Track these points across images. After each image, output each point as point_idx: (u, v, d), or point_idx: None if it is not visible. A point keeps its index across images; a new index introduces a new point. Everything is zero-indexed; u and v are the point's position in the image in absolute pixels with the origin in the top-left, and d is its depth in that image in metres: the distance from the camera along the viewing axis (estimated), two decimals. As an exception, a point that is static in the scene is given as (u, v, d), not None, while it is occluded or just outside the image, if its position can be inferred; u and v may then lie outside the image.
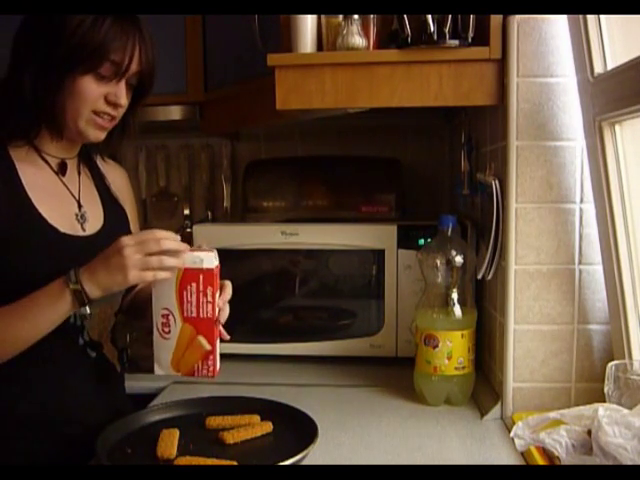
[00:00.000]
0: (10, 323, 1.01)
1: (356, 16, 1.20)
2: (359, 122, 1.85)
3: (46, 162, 1.14)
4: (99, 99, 1.07)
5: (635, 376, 0.97)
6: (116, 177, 1.30)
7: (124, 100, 1.10)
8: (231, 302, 1.17)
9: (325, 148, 1.94)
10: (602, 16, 1.03)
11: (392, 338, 1.51)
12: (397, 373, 1.44)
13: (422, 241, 1.46)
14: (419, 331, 1.29)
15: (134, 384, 1.38)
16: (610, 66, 1.03)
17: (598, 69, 1.05)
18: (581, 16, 1.06)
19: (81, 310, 1.02)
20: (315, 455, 1.07)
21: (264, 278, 1.59)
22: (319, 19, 1.24)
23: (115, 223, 1.23)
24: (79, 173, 1.21)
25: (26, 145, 1.12)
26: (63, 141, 1.14)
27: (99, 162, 1.27)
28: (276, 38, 1.31)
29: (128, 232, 1.26)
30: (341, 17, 1.21)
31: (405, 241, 1.49)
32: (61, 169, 1.16)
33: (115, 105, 1.09)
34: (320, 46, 1.25)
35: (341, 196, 1.69)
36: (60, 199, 1.15)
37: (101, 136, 1.12)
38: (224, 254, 1.55)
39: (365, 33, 1.22)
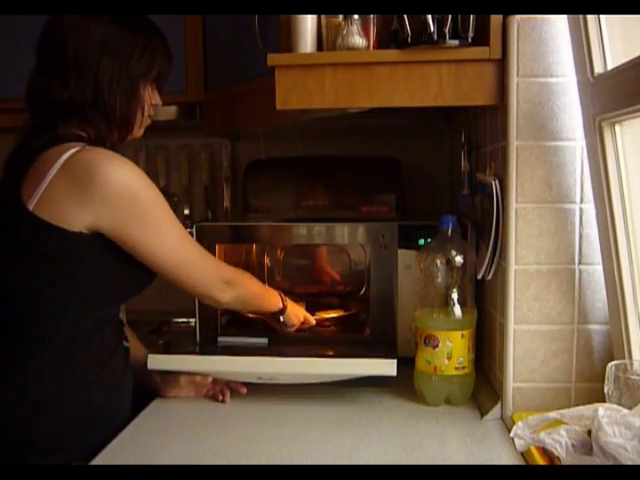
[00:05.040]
0: None
1: (356, 16, 1.20)
2: (359, 122, 1.85)
3: None
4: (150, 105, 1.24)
5: (635, 376, 0.97)
6: None
7: (161, 102, 1.26)
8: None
9: (325, 148, 1.94)
10: (602, 16, 1.03)
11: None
12: (397, 373, 1.43)
13: (422, 241, 1.46)
14: (419, 331, 1.29)
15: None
16: (610, 66, 1.03)
17: (598, 69, 1.05)
18: (581, 16, 1.06)
19: None
20: (315, 455, 1.08)
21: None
22: (319, 19, 1.24)
23: None
24: None
25: None
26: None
27: None
28: (276, 38, 1.31)
29: None
30: (341, 17, 1.21)
31: (405, 241, 1.48)
32: None
33: (157, 107, 1.26)
34: (320, 46, 1.25)
35: (341, 196, 1.69)
36: None
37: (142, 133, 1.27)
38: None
39: (365, 33, 1.21)
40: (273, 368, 1.32)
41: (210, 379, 1.37)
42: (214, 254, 1.54)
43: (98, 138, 1.15)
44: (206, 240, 1.55)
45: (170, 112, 1.74)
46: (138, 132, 1.24)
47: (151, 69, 1.19)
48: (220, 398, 1.34)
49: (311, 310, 1.53)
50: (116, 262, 1.13)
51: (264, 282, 1.59)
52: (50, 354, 1.11)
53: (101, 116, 1.15)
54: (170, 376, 1.36)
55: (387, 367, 1.27)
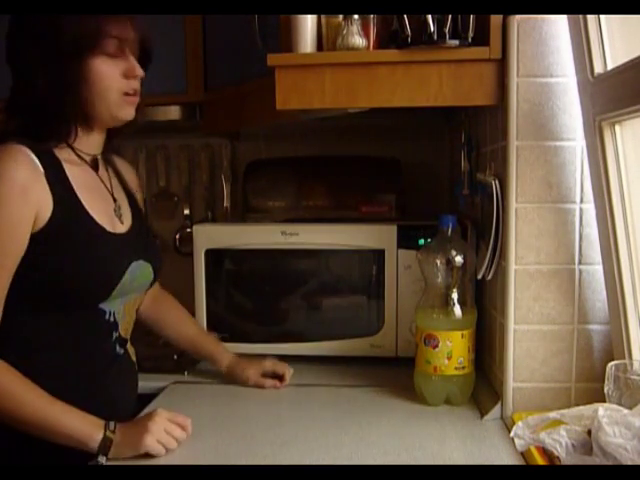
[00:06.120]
0: (33, 410, 1.03)
1: (356, 16, 1.20)
2: (359, 122, 1.85)
3: (82, 159, 1.16)
4: (118, 78, 1.09)
5: (635, 376, 0.97)
6: (128, 173, 1.33)
7: (140, 70, 1.11)
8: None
9: (325, 148, 1.94)
10: (602, 16, 1.03)
11: (392, 338, 1.51)
12: (397, 373, 1.44)
13: (422, 241, 1.46)
14: (419, 331, 1.29)
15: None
16: (610, 66, 1.03)
17: (598, 69, 1.05)
18: (581, 16, 1.06)
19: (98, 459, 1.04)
20: (315, 455, 1.08)
21: (264, 278, 1.59)
22: (319, 19, 1.24)
23: (139, 219, 1.27)
24: (106, 169, 1.23)
25: (66, 146, 1.13)
26: (95, 135, 1.16)
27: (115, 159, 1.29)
28: (276, 38, 1.31)
29: (147, 229, 1.32)
30: (341, 17, 1.21)
31: (405, 241, 1.48)
32: (94, 166, 1.19)
33: (135, 77, 1.11)
34: (320, 46, 1.25)
35: (341, 196, 1.69)
36: (100, 195, 1.18)
37: (132, 113, 1.14)
38: (224, 254, 1.56)
39: (365, 33, 1.22)
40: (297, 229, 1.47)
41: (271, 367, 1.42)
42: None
43: (40, 133, 1.08)
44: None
45: (170, 112, 1.74)
46: (119, 112, 1.11)
47: (87, 40, 1.06)
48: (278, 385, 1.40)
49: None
50: (44, 265, 1.07)
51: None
52: (11, 357, 1.06)
53: (30, 108, 1.08)
54: (241, 365, 1.42)
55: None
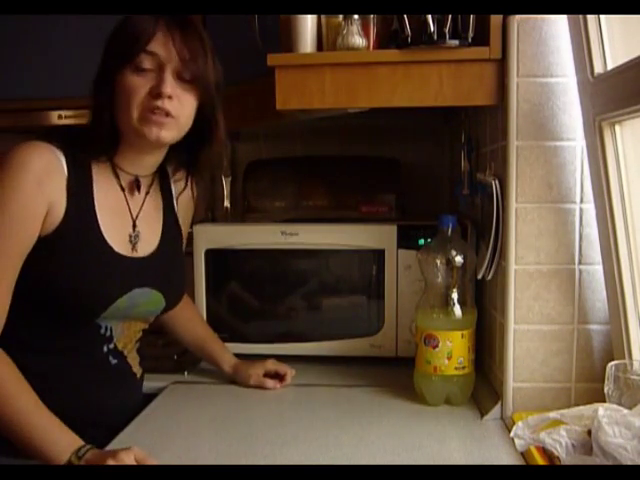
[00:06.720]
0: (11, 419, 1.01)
1: (356, 16, 1.20)
2: (359, 122, 1.85)
3: (117, 178, 1.15)
4: (142, 93, 1.05)
5: (635, 376, 0.97)
6: (184, 193, 1.31)
7: (168, 89, 1.04)
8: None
9: (325, 148, 1.94)
10: (602, 16, 1.03)
11: (392, 338, 1.51)
12: (397, 373, 1.44)
13: (422, 241, 1.46)
14: (419, 331, 1.29)
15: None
16: (610, 66, 1.03)
17: (598, 69, 1.05)
18: (581, 16, 1.06)
19: None
20: (315, 455, 1.08)
21: (264, 278, 1.59)
22: (319, 19, 1.24)
23: (169, 248, 1.24)
24: (147, 193, 1.21)
25: (107, 162, 1.13)
26: (144, 156, 1.15)
27: (173, 181, 1.28)
28: (276, 38, 1.31)
29: (180, 256, 1.30)
30: (341, 17, 1.22)
31: (405, 241, 1.48)
32: (132, 186, 1.17)
33: (159, 95, 1.04)
34: (320, 46, 1.25)
35: (341, 196, 1.69)
36: (120, 219, 1.16)
37: (161, 134, 1.07)
38: (224, 254, 1.56)
39: (365, 33, 1.22)
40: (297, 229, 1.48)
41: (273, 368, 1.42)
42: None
43: (82, 143, 1.10)
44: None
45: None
46: (140, 128, 1.06)
47: (123, 51, 1.06)
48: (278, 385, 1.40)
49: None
50: (33, 272, 1.07)
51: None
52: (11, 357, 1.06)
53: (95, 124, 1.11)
54: (244, 365, 1.43)
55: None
